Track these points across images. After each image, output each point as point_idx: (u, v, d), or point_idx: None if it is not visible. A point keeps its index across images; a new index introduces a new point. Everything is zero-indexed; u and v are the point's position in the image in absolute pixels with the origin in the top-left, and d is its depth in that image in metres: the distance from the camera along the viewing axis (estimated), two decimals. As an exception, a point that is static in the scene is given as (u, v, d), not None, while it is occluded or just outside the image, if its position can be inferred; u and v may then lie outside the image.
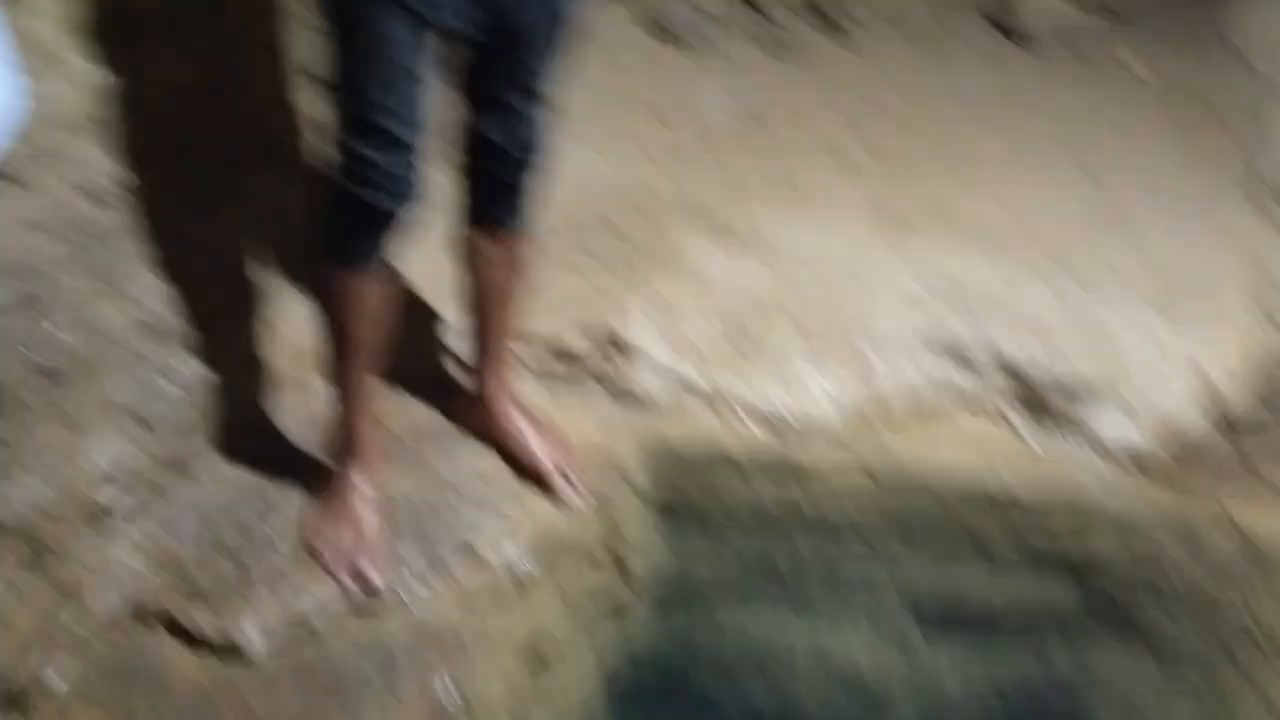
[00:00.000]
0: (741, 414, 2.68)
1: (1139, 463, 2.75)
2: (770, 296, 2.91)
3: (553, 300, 2.69)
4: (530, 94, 2.05)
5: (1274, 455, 2.66)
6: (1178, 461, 2.73)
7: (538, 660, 2.28)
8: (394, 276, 2.06)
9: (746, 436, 2.66)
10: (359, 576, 2.09)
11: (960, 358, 2.88)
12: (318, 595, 2.08)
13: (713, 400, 2.70)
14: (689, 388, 2.70)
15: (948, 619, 2.81)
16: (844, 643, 2.80)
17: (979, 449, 2.77)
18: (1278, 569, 2.58)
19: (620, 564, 2.49)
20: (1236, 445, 2.69)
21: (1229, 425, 2.69)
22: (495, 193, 2.15)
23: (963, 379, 2.87)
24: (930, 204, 3.21)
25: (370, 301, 2.01)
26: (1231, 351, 2.85)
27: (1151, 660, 2.81)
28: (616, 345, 2.70)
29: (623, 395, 2.67)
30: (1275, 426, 2.65)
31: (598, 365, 2.68)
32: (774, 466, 2.66)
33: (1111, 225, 3.26)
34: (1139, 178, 3.39)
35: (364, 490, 2.16)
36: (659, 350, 2.72)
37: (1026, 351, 2.87)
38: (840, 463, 2.69)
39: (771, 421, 2.69)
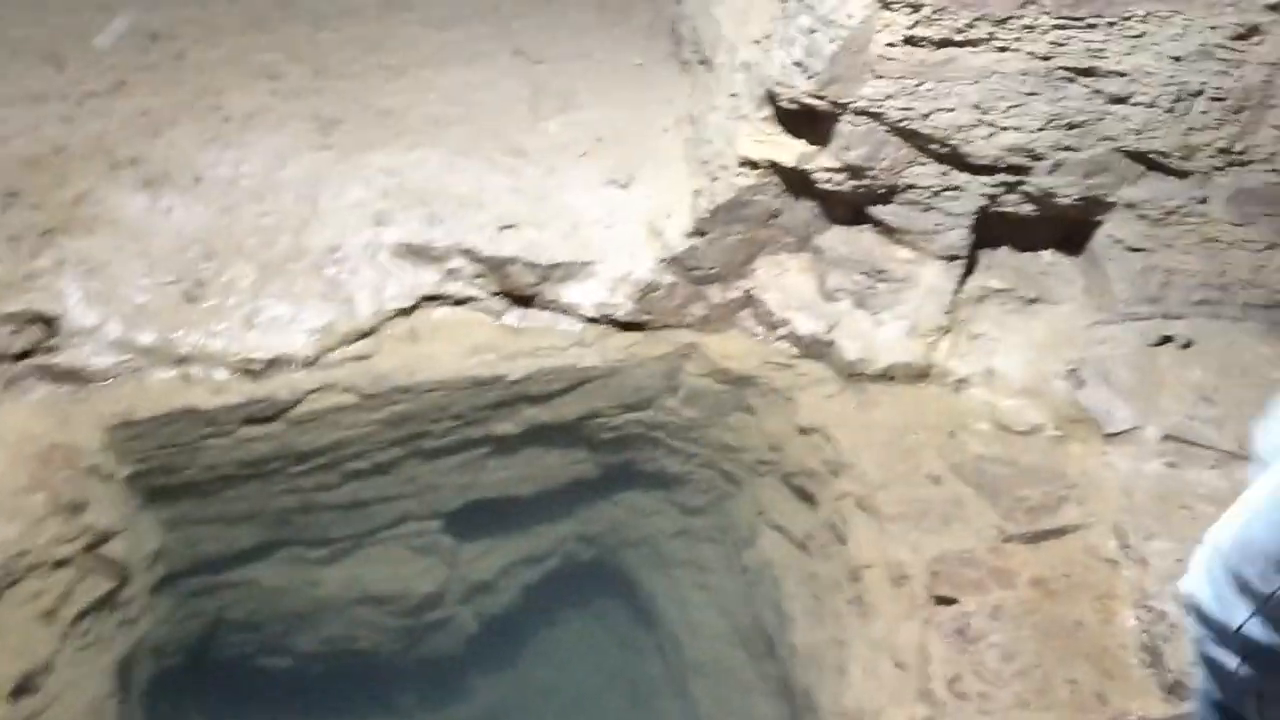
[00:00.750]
0: (208, 365, 2.52)
1: (615, 322, 2.88)
2: (220, 236, 2.73)
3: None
4: None
5: (716, 281, 2.85)
6: (647, 311, 2.88)
7: (24, 690, 2.05)
8: None
9: (218, 386, 2.51)
10: None
11: (434, 261, 2.85)
12: None
13: (173, 358, 2.51)
14: (144, 351, 2.49)
15: (474, 514, 2.86)
16: (376, 567, 2.78)
17: (465, 344, 2.77)
18: (745, 386, 2.80)
19: (100, 557, 2.29)
20: (690, 283, 2.87)
21: (681, 267, 2.86)
22: None
23: (438, 281, 2.85)
24: (377, 111, 3.13)
25: None
26: (677, 201, 3.01)
27: (667, 501, 3.01)
28: (49, 327, 2.43)
29: (69, 379, 2.42)
30: (708, 252, 2.84)
31: (31, 355, 2.41)
32: (255, 411, 2.52)
33: (555, 103, 3.32)
34: (571, 50, 3.47)
35: None
36: (100, 320, 2.48)
37: (497, 242, 2.89)
38: (326, 390, 2.59)
39: (243, 366, 2.54)
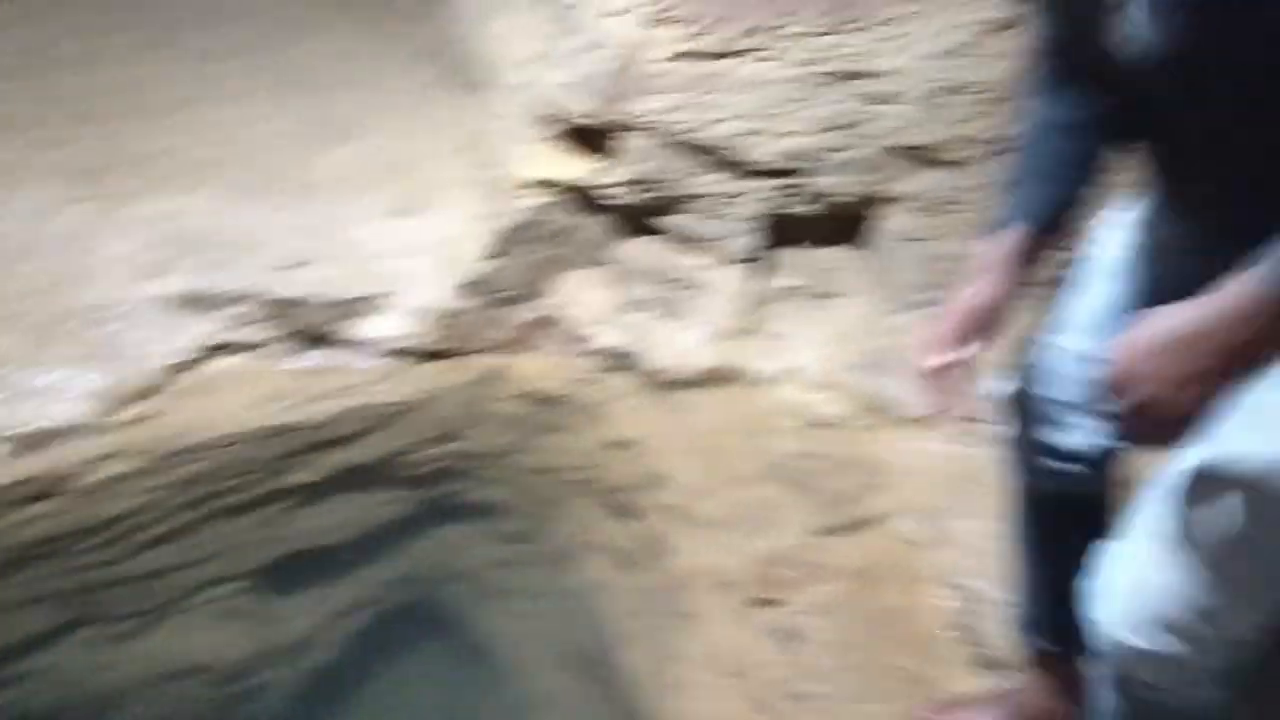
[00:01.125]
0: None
1: (417, 353, 2.81)
2: (-24, 302, 2.54)
3: None
4: None
5: (516, 302, 2.83)
6: (449, 339, 2.82)
7: None
8: None
9: (-12, 467, 2.32)
10: None
11: (217, 308, 2.72)
12: None
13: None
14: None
15: (284, 568, 2.74)
16: (183, 637, 2.63)
17: (258, 393, 2.65)
18: (555, 405, 2.78)
19: None
20: (490, 306, 2.83)
21: (480, 291, 2.82)
22: None
23: (224, 328, 2.72)
24: (144, 156, 2.97)
25: None
26: (469, 226, 2.97)
27: (487, 531, 2.96)
28: None
29: None
30: (505, 275, 2.80)
31: None
32: (34, 488, 2.35)
33: (335, 134, 3.23)
34: (348, 78, 3.39)
35: None
36: None
37: (284, 283, 2.78)
38: (110, 457, 2.44)
39: (17, 441, 2.37)
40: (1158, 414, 1.08)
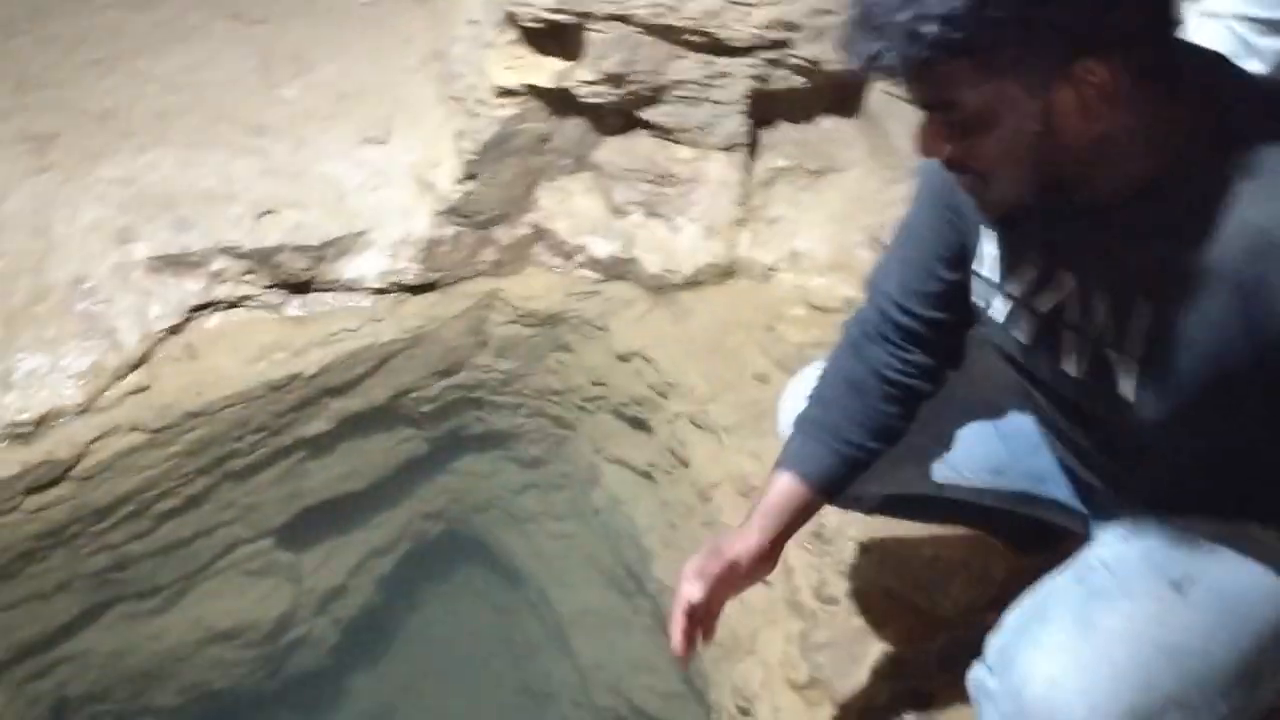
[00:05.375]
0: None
1: (405, 287, 2.72)
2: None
3: None
4: None
5: (501, 221, 2.71)
6: (437, 269, 2.72)
7: None
8: None
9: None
10: None
11: (194, 268, 2.62)
12: None
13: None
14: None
15: (307, 521, 2.70)
16: (216, 602, 2.61)
17: (250, 349, 2.58)
18: (555, 323, 2.68)
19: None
20: (474, 229, 2.72)
21: (461, 215, 2.70)
22: None
23: (204, 288, 2.63)
24: (95, 116, 2.84)
25: None
26: (441, 147, 2.84)
27: (504, 459, 2.90)
28: None
29: None
30: (485, 194, 2.68)
31: None
32: (36, 478, 2.30)
33: (288, 66, 3.07)
34: (291, 3, 3.23)
35: None
36: None
37: (258, 233, 2.67)
38: (109, 435, 2.38)
39: (9, 433, 2.32)
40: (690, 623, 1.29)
